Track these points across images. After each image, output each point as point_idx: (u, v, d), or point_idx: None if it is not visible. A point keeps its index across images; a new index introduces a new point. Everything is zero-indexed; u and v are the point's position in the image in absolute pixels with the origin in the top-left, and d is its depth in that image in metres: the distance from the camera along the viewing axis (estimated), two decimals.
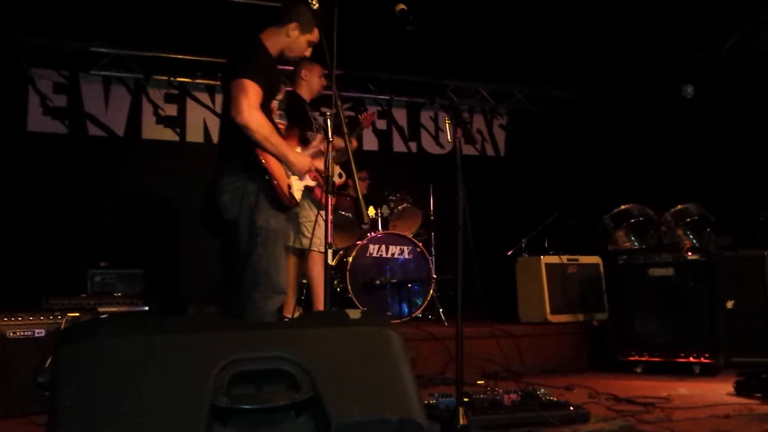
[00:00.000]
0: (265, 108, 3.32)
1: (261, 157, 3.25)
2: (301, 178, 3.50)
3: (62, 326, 3.42)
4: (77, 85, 6.49)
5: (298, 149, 3.71)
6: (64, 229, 6.04)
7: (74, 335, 2.04)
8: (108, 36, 6.24)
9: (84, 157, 6.38)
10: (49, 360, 1.98)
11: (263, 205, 3.28)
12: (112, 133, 6.56)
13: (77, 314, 3.60)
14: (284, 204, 3.34)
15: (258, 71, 3.26)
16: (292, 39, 3.47)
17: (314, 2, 3.19)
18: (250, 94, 3.19)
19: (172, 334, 2.05)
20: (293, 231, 4.75)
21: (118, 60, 6.48)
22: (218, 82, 6.79)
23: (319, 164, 3.82)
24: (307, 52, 3.59)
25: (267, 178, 3.25)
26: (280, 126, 3.48)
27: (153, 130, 6.71)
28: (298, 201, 3.46)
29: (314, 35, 3.53)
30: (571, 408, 3.10)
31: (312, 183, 3.63)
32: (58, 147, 6.33)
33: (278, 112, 3.46)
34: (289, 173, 3.40)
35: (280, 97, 3.48)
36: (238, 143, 3.28)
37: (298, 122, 4.68)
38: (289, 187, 3.35)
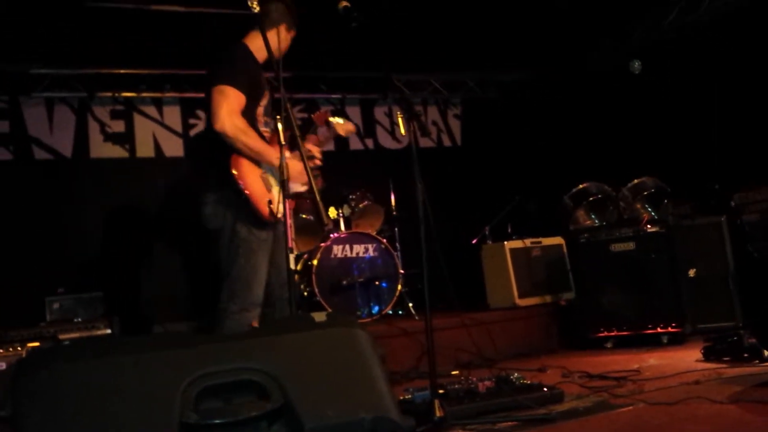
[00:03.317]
0: (250, 115, 3.24)
1: (237, 178, 3.14)
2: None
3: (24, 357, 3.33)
4: (19, 109, 6.27)
5: (288, 154, 3.59)
6: (17, 258, 5.83)
7: (32, 364, 1.97)
8: (47, 57, 6.04)
9: (32, 182, 6.19)
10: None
11: (244, 220, 3.20)
12: (59, 155, 6.37)
13: (38, 344, 3.51)
14: (264, 221, 3.23)
15: (240, 77, 3.18)
16: (282, 39, 3.38)
17: (254, 5, 3.12)
18: (231, 100, 3.11)
19: (133, 354, 2.00)
20: None
21: (59, 80, 6.29)
22: (164, 94, 6.68)
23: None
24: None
25: (243, 198, 3.15)
26: (265, 134, 3.36)
27: (101, 149, 6.53)
28: (280, 217, 3.26)
29: (294, 32, 3.53)
30: (545, 389, 3.13)
31: (302, 188, 3.46)
32: (3, 174, 6.13)
33: (263, 119, 3.35)
34: (270, 187, 3.27)
35: (264, 102, 3.37)
36: (215, 156, 3.20)
37: None
38: (270, 202, 3.21)
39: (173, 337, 2.13)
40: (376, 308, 5.44)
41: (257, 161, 3.26)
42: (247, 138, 3.16)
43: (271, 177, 3.32)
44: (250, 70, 3.30)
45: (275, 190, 3.28)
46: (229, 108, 3.10)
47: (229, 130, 3.09)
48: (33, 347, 3.41)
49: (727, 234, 4.82)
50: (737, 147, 5.72)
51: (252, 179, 3.20)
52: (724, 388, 3.04)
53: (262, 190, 3.24)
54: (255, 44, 3.35)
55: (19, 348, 3.40)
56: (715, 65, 6.02)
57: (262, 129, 3.34)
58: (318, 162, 3.65)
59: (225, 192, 3.21)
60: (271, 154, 3.23)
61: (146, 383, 1.91)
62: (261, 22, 3.23)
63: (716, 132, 5.97)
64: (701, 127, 6.10)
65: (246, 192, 3.16)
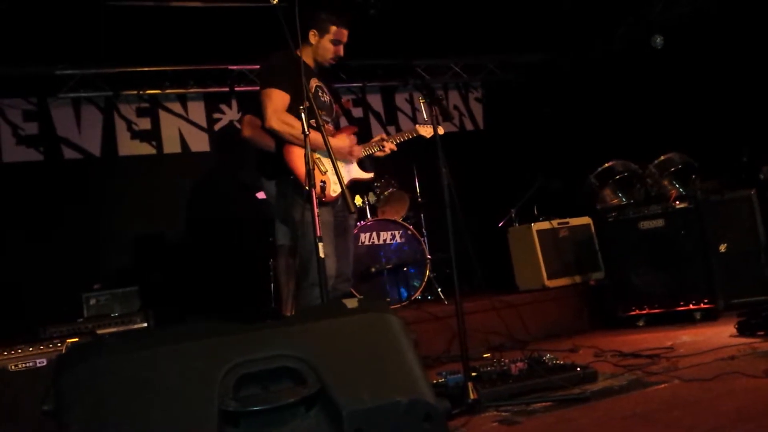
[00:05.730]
0: (297, 110, 3.36)
1: (289, 164, 3.51)
2: (346, 163, 3.77)
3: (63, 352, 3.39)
4: (47, 110, 6.39)
5: (347, 141, 3.89)
6: (53, 256, 5.96)
7: (73, 358, 2.02)
8: (71, 57, 6.14)
9: (63, 181, 6.30)
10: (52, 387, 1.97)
11: (298, 201, 3.51)
12: (88, 154, 6.48)
13: (77, 339, 3.57)
14: (319, 201, 3.46)
15: (280, 78, 3.51)
16: (315, 45, 3.75)
17: None
18: (274, 100, 3.51)
19: (171, 346, 2.03)
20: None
21: (84, 80, 6.39)
22: (188, 90, 6.75)
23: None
24: (339, 51, 3.79)
25: (292, 177, 3.50)
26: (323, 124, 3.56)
27: (129, 146, 6.63)
28: (334, 197, 3.62)
29: (333, 33, 3.74)
30: (579, 369, 3.12)
31: (367, 175, 3.96)
32: (36, 174, 6.24)
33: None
34: (324, 171, 3.57)
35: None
36: (276, 147, 3.66)
37: None
38: (323, 182, 3.49)
39: (209, 327, 2.16)
40: (405, 294, 5.46)
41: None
42: (293, 129, 3.47)
43: (324, 162, 3.60)
44: (290, 71, 3.47)
45: (330, 173, 3.58)
46: (273, 107, 3.50)
47: (276, 125, 3.49)
48: (72, 343, 3.47)
49: (757, 207, 4.76)
50: (764, 119, 5.62)
51: (302, 162, 3.26)
52: (760, 363, 3.01)
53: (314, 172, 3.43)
54: (305, 54, 3.62)
55: (58, 344, 3.46)
56: (738, 36, 5.90)
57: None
58: (382, 153, 4.11)
59: (279, 178, 3.64)
60: (320, 139, 3.36)
61: (185, 373, 1.94)
62: (305, 31, 3.65)
63: (742, 104, 5.87)
64: (726, 100, 6.00)
65: (296, 171, 3.47)
